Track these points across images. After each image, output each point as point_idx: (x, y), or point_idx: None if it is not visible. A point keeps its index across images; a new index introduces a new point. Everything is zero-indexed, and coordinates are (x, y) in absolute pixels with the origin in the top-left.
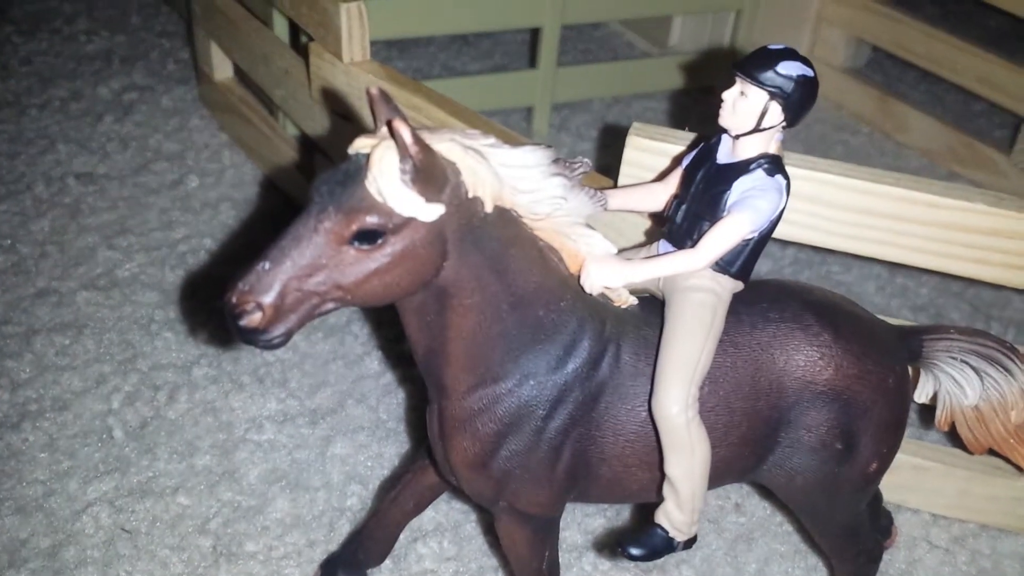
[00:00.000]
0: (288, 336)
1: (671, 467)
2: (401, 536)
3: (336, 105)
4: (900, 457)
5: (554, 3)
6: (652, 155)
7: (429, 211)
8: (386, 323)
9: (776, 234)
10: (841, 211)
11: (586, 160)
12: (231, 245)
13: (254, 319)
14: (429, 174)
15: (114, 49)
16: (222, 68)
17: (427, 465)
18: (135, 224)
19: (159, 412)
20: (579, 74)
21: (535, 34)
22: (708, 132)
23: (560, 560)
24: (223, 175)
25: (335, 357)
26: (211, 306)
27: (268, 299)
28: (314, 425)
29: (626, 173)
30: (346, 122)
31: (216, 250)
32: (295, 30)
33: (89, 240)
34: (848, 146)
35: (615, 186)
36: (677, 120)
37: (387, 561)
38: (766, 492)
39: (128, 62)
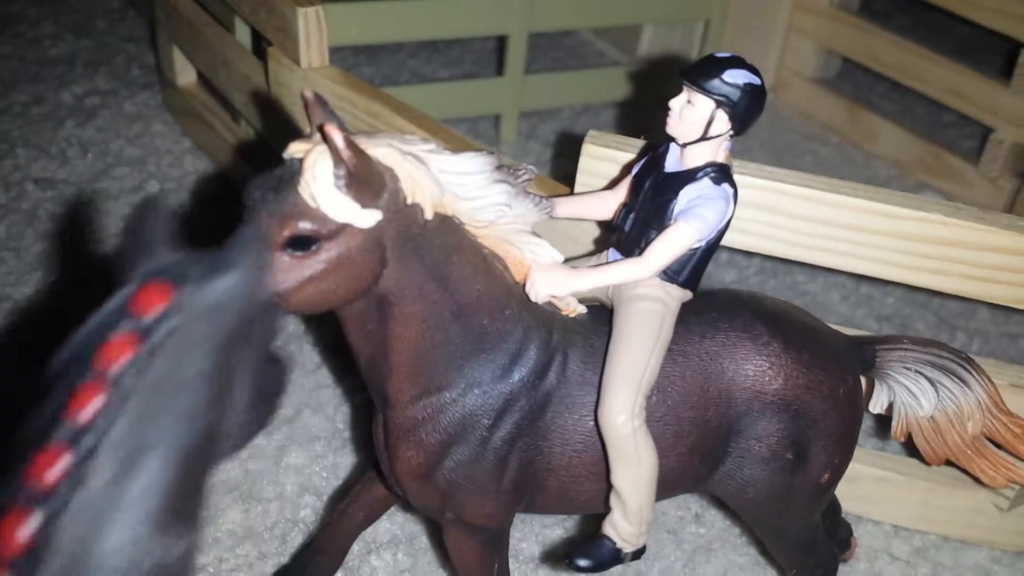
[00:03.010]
0: None
1: (618, 477)
2: (355, 547)
3: (295, 111)
4: (861, 468)
5: (521, 11)
6: (608, 163)
7: (365, 217)
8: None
9: (735, 245)
10: (800, 221)
11: (531, 167)
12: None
13: None
14: (364, 180)
15: (78, 53)
16: (185, 73)
17: (376, 476)
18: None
19: None
20: (547, 82)
21: (503, 41)
22: (660, 141)
23: (514, 571)
24: (184, 181)
25: (292, 365)
26: None
27: None
28: (269, 435)
29: (582, 182)
30: (305, 127)
31: None
32: (257, 36)
33: (46, 246)
34: (817, 156)
35: (571, 194)
36: (645, 130)
37: (339, 574)
38: (725, 503)
39: (92, 66)
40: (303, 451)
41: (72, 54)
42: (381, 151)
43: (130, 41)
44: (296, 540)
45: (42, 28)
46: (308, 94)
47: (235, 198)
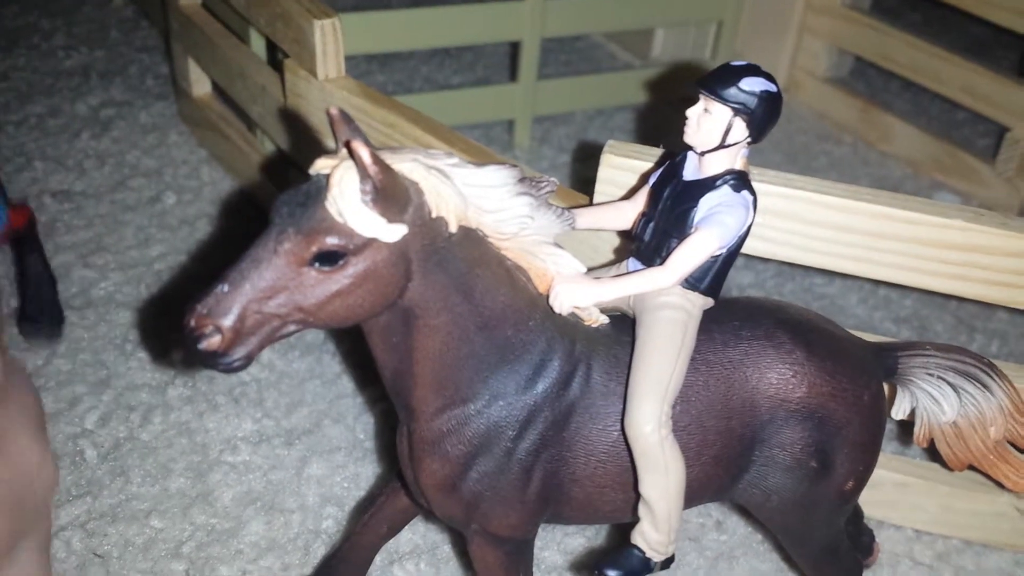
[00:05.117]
0: (249, 359)
1: (646, 487)
2: (377, 558)
3: (312, 122)
4: (882, 473)
5: (533, 16)
6: (627, 173)
7: (391, 231)
8: (365, 340)
9: (753, 251)
10: (818, 228)
11: (552, 179)
12: (208, 263)
13: (213, 342)
14: (390, 194)
15: (92, 65)
16: (200, 84)
17: (400, 487)
18: (111, 242)
19: (133, 434)
20: (560, 87)
21: (516, 47)
22: (677, 148)
23: None
24: (201, 191)
25: (312, 376)
26: None
27: (227, 322)
28: (290, 446)
29: (601, 191)
30: (323, 139)
31: (193, 268)
32: (272, 46)
33: (65, 259)
34: (831, 156)
35: (591, 203)
36: (659, 133)
37: None
38: (747, 510)
39: (106, 78)
40: (324, 462)
41: (86, 65)
42: (406, 166)
43: (144, 51)
44: (319, 551)
45: (56, 39)
46: (334, 111)
47: (252, 208)
